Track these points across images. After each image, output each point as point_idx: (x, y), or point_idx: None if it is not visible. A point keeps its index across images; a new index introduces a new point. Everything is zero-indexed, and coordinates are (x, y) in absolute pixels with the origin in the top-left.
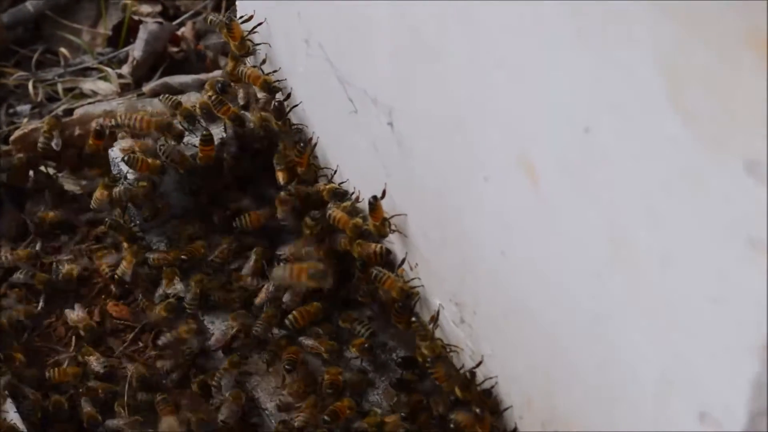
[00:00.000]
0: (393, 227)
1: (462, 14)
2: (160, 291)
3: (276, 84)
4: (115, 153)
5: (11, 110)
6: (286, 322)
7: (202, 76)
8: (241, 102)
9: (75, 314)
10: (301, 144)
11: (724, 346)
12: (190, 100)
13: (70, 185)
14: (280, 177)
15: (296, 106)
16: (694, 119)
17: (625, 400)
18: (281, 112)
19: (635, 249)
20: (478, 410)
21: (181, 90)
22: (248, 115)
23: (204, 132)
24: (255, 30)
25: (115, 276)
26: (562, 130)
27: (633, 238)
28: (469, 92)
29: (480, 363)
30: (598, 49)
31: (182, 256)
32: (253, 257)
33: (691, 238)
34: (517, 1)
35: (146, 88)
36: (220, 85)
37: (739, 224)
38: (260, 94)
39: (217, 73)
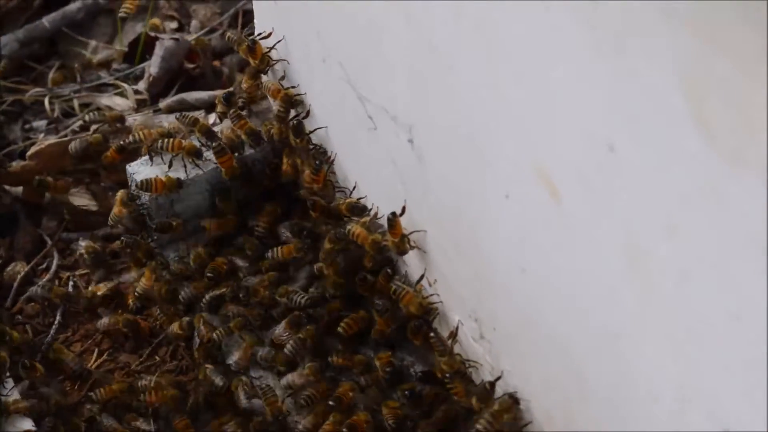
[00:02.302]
0: (412, 243)
1: (478, 30)
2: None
3: (297, 98)
4: (133, 169)
5: (27, 126)
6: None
7: (219, 92)
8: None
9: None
10: (317, 162)
11: (742, 361)
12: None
13: (84, 200)
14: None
15: (319, 129)
16: (713, 133)
17: (641, 415)
18: (300, 130)
19: (652, 263)
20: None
21: (198, 106)
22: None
23: (214, 144)
24: (274, 47)
25: (136, 293)
26: (582, 145)
27: (650, 252)
28: (487, 108)
29: (499, 377)
30: (616, 63)
31: (208, 274)
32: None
33: (709, 252)
34: (533, 16)
35: (162, 104)
36: (225, 95)
37: (757, 238)
38: (275, 107)
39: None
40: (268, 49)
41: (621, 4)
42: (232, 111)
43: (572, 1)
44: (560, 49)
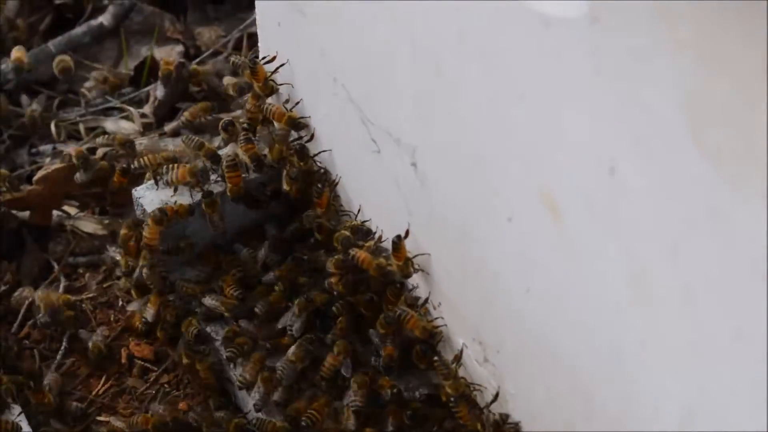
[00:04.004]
0: (416, 266)
1: (483, 54)
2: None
3: (301, 120)
4: (139, 193)
5: (34, 150)
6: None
7: (223, 115)
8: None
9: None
10: (319, 185)
11: (746, 381)
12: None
13: (92, 225)
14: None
15: (323, 152)
16: (716, 157)
17: None
18: (304, 153)
19: (656, 284)
20: None
21: (203, 129)
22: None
23: (228, 158)
24: (277, 70)
25: (144, 319)
26: (584, 167)
27: (654, 274)
28: (490, 131)
29: (497, 395)
30: (619, 87)
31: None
32: None
33: (713, 274)
34: (536, 42)
35: (168, 127)
36: (224, 124)
37: (759, 259)
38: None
39: (236, 112)
40: (270, 73)
41: (622, 29)
42: (242, 133)
43: (573, 27)
44: (563, 74)
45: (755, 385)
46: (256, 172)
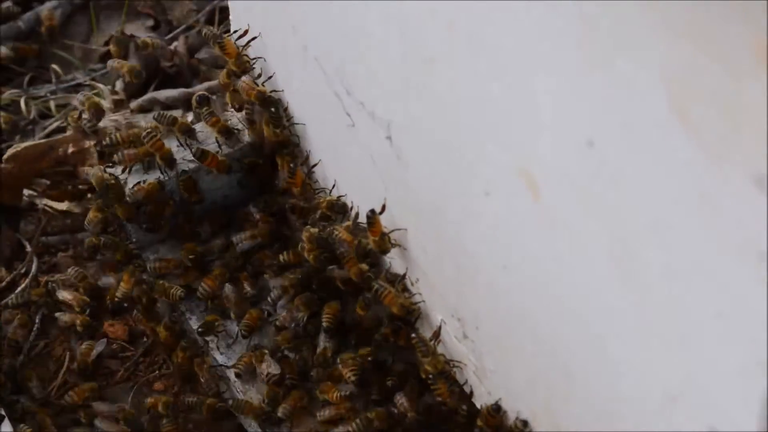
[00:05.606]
0: (393, 241)
1: (461, 29)
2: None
3: (270, 96)
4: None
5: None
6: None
7: (190, 89)
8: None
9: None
10: (292, 164)
11: (731, 363)
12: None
13: (64, 204)
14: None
15: (297, 124)
16: (700, 135)
17: (629, 417)
18: (278, 121)
19: (638, 264)
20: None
21: (170, 105)
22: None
23: (193, 150)
24: (249, 44)
25: (116, 297)
26: (565, 145)
27: (636, 253)
28: (467, 106)
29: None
30: (602, 65)
31: None
32: None
33: (696, 252)
34: (517, 16)
35: (133, 104)
36: (198, 98)
37: (745, 239)
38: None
39: (204, 85)
40: (242, 47)
41: (605, 11)
42: (204, 109)
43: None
44: (543, 50)
45: (740, 367)
46: (227, 145)
